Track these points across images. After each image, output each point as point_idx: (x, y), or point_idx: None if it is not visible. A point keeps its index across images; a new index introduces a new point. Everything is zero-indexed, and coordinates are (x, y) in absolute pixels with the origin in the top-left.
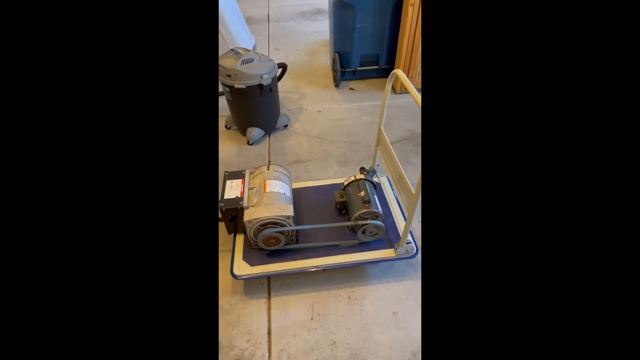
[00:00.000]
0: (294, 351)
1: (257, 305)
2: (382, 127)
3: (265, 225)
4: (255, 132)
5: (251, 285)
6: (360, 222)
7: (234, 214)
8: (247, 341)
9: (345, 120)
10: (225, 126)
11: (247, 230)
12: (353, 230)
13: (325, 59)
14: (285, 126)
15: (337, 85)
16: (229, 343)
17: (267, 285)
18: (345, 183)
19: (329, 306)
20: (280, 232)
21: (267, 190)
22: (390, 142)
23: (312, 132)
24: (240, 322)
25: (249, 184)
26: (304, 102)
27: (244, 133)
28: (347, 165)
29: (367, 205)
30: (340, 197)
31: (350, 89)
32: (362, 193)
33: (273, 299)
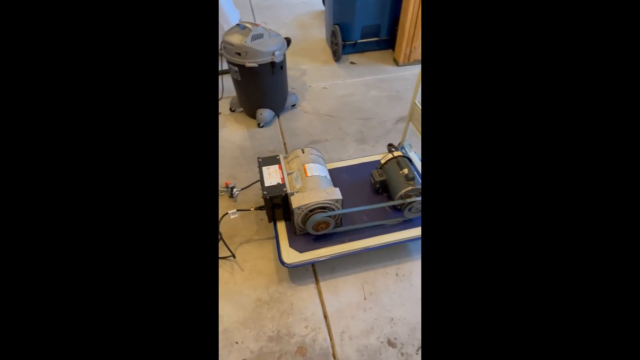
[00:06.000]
0: (354, 332)
1: (307, 291)
2: (416, 101)
3: (313, 210)
4: (265, 113)
5: (296, 272)
6: (407, 200)
7: (278, 202)
8: (306, 327)
9: (354, 96)
10: (230, 109)
11: (295, 217)
12: (394, 208)
13: (318, 32)
14: (293, 105)
15: (337, 59)
16: (288, 331)
17: (312, 271)
18: (383, 161)
19: (379, 285)
20: (330, 216)
21: (309, 174)
22: (403, 117)
23: (322, 110)
24: (294, 309)
25: (286, 169)
26: (306, 79)
27: (252, 115)
28: (366, 142)
29: (412, 182)
30: (380, 176)
31: (351, 63)
32: (406, 170)
33: (322, 283)
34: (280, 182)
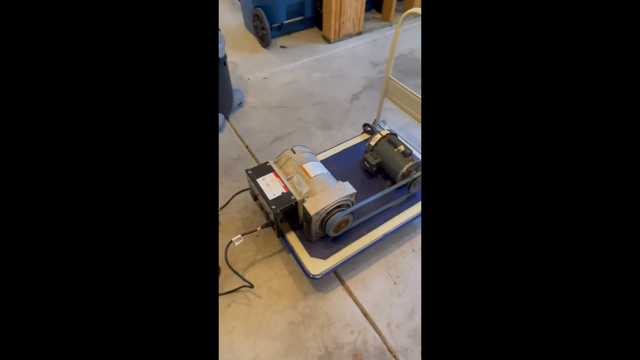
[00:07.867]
0: (399, 319)
1: (337, 295)
2: (390, 75)
3: (330, 212)
4: None
5: (319, 280)
6: (412, 177)
7: (288, 212)
8: (352, 332)
9: (299, 82)
10: None
11: (312, 224)
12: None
13: (233, 18)
14: (240, 104)
15: (267, 45)
16: (335, 344)
17: (333, 273)
18: (373, 143)
19: (402, 266)
20: (349, 212)
21: (312, 175)
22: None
23: (272, 103)
24: (332, 318)
25: (282, 174)
26: (240, 72)
27: None
28: (331, 127)
29: (410, 157)
30: (375, 159)
31: (282, 47)
32: (402, 147)
33: (348, 282)
34: (285, 191)
